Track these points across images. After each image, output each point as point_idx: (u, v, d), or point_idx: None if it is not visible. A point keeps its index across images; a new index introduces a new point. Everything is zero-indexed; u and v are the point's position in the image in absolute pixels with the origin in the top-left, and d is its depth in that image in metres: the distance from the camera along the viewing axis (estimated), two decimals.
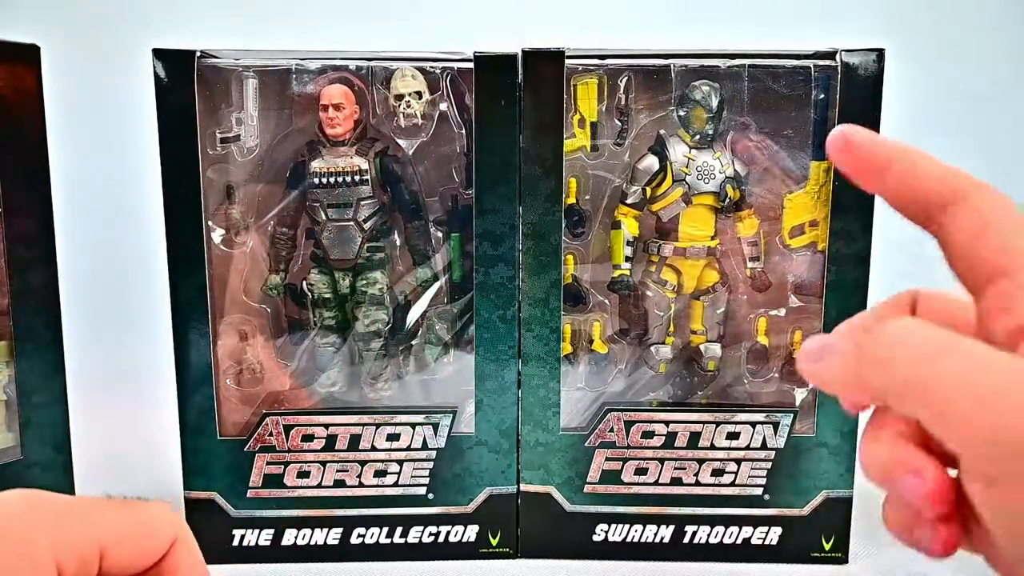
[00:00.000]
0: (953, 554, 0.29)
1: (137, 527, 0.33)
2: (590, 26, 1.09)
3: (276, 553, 0.78)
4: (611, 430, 0.77)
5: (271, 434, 0.76)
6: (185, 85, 0.71)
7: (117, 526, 0.33)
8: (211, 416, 0.76)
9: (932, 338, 0.28)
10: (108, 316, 1.08)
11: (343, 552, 0.78)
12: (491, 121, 0.72)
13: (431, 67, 0.74)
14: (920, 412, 0.27)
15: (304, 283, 0.79)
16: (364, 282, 0.79)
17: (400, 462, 0.77)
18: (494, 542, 0.79)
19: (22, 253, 0.71)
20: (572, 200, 0.77)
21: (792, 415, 0.77)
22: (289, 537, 0.78)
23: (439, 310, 0.80)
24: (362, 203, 0.77)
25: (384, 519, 0.78)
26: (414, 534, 0.79)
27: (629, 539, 0.79)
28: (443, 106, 0.75)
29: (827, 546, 0.78)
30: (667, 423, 0.77)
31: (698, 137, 0.76)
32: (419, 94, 0.75)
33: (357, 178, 0.76)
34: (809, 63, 0.73)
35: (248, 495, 0.77)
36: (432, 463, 0.78)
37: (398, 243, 0.80)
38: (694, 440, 0.77)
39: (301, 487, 0.77)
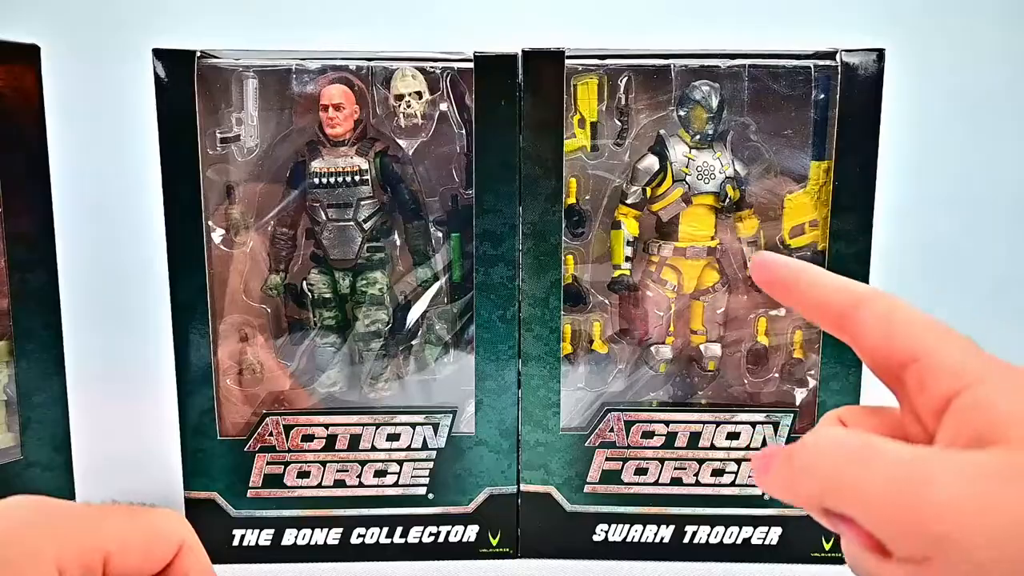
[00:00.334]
0: None
1: (142, 534, 0.33)
2: (590, 26, 1.09)
3: (276, 553, 0.78)
4: (611, 430, 0.77)
5: (271, 434, 0.76)
6: (185, 85, 0.71)
7: (121, 533, 0.33)
8: (211, 416, 0.76)
9: (848, 444, 0.30)
10: (108, 316, 1.08)
11: (343, 552, 0.78)
12: (491, 121, 0.72)
13: (431, 67, 0.74)
14: (850, 512, 0.30)
15: (304, 283, 0.79)
16: (364, 282, 0.79)
17: (400, 462, 0.77)
18: (494, 542, 0.79)
19: (22, 253, 0.71)
20: (572, 200, 0.77)
21: (792, 415, 0.77)
22: (289, 537, 0.78)
23: (439, 310, 0.80)
24: (362, 203, 0.77)
25: (384, 519, 0.78)
26: (414, 534, 0.79)
27: (629, 539, 0.79)
28: (443, 106, 0.76)
29: (827, 546, 0.78)
30: (667, 423, 0.77)
31: (698, 137, 0.76)
32: (419, 94, 0.75)
33: (357, 178, 0.76)
34: (809, 63, 0.73)
35: (248, 495, 0.77)
36: (432, 463, 0.78)
37: (398, 243, 0.80)
38: (694, 440, 0.77)
39: (301, 487, 0.77)
